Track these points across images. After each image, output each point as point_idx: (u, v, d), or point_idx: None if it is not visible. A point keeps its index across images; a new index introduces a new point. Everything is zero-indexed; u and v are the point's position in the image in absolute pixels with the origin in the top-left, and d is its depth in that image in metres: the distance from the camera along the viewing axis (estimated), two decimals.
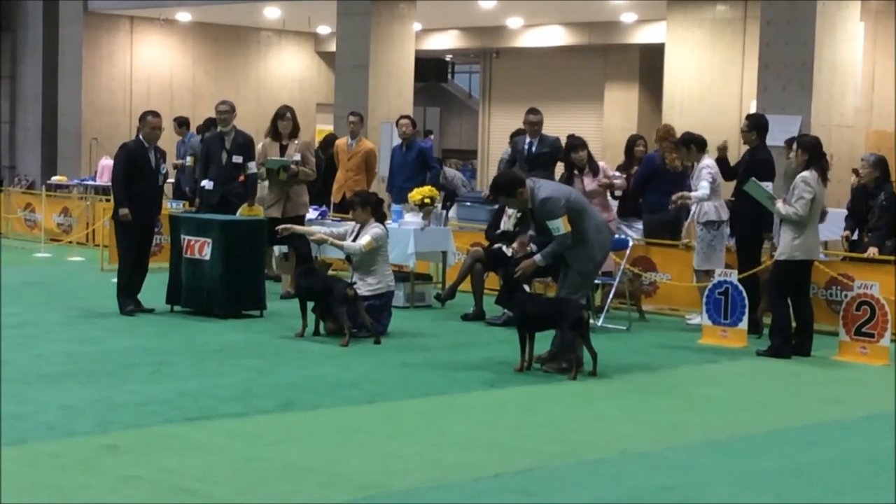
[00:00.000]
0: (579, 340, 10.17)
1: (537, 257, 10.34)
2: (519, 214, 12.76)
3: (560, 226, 10.20)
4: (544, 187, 10.45)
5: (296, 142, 14.50)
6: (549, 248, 10.33)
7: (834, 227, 14.59)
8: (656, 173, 13.99)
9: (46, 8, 28.07)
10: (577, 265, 10.40)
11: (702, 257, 13.14)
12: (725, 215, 13.03)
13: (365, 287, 11.85)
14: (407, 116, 16.80)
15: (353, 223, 12.43)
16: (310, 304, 11.82)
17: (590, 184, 13.80)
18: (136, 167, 12.92)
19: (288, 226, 12.77)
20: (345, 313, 11.44)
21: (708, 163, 13.18)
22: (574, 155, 13.87)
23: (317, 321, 11.82)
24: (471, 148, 36.22)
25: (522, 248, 10.99)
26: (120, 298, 12.96)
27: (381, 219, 12.36)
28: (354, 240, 12.13)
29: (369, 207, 12.21)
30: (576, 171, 13.88)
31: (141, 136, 13.08)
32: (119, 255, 13.36)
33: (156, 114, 13.28)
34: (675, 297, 14.13)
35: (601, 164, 14.16)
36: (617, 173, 14.27)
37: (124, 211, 12.79)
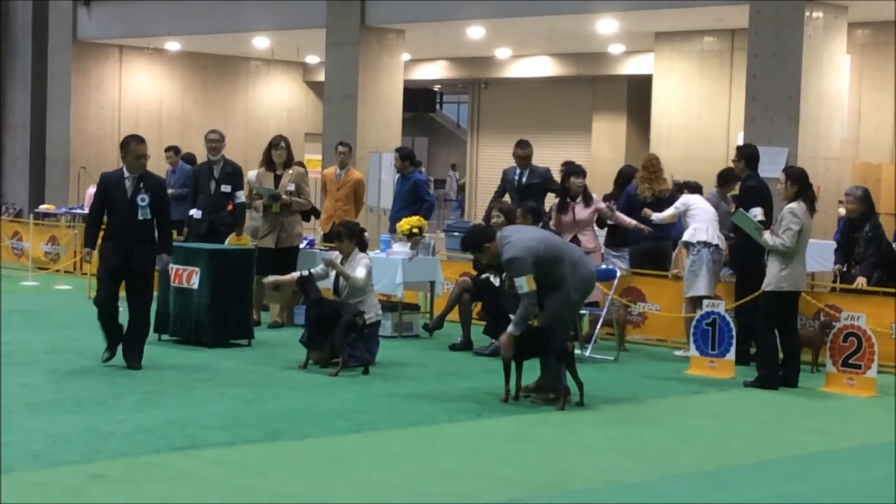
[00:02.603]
0: (565, 371, 10.16)
1: (511, 328, 10.15)
2: None
3: (524, 284, 10.06)
4: (512, 245, 10.16)
5: (290, 171, 14.51)
6: (517, 313, 10.14)
7: (820, 258, 14.64)
8: (633, 204, 14.08)
9: (35, 36, 28.11)
10: (553, 306, 10.35)
11: (685, 284, 13.24)
12: (704, 236, 13.07)
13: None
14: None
15: (335, 253, 12.45)
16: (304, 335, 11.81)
17: (581, 212, 13.81)
18: (109, 199, 11.30)
19: (275, 279, 12.72)
20: (345, 343, 11.43)
21: (687, 196, 13.41)
22: (573, 180, 13.87)
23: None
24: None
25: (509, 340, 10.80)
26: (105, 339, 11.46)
27: (364, 248, 12.40)
28: (337, 275, 12.17)
29: (355, 238, 12.25)
30: (569, 199, 13.88)
31: (123, 166, 11.38)
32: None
33: (140, 139, 11.43)
34: (663, 327, 14.14)
35: (594, 195, 14.18)
36: (603, 204, 14.22)
37: (85, 250, 11.57)
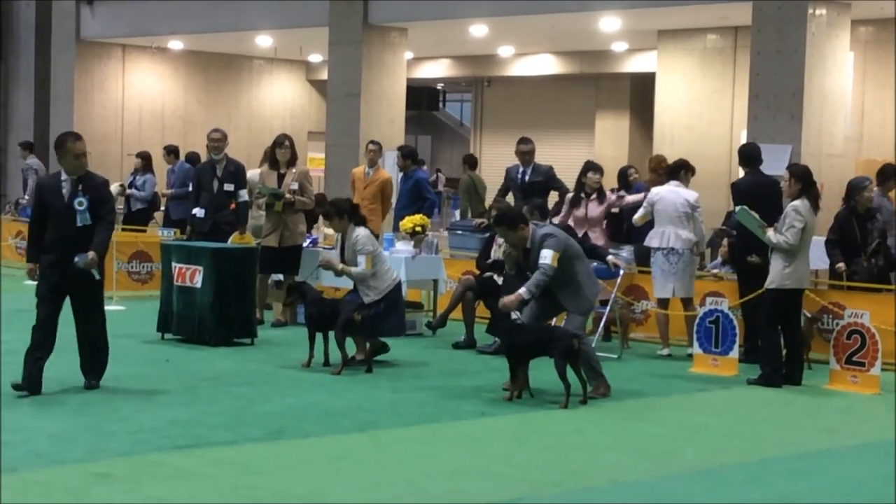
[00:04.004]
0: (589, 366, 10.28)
1: (522, 290, 10.35)
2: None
3: (549, 257, 10.32)
4: (548, 227, 10.84)
5: (293, 170, 14.49)
6: (532, 280, 10.37)
7: (824, 255, 14.58)
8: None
9: (39, 36, 28.14)
10: (575, 307, 10.61)
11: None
12: (656, 242, 13.12)
13: (374, 294, 11.83)
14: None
15: (334, 253, 12.40)
16: (319, 335, 11.74)
17: (594, 209, 13.79)
18: (47, 207, 9.97)
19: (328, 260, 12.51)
20: (344, 340, 11.43)
21: (655, 189, 13.41)
22: (590, 176, 13.84)
23: (325, 351, 11.76)
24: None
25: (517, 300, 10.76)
26: (25, 363, 10.08)
27: (360, 222, 12.22)
28: (342, 251, 12.10)
29: (346, 215, 12.08)
30: (583, 194, 13.85)
31: (61, 167, 10.01)
32: None
33: (77, 136, 10.09)
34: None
35: (608, 193, 14.14)
36: (613, 196, 14.22)
37: (28, 266, 10.29)
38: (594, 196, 13.85)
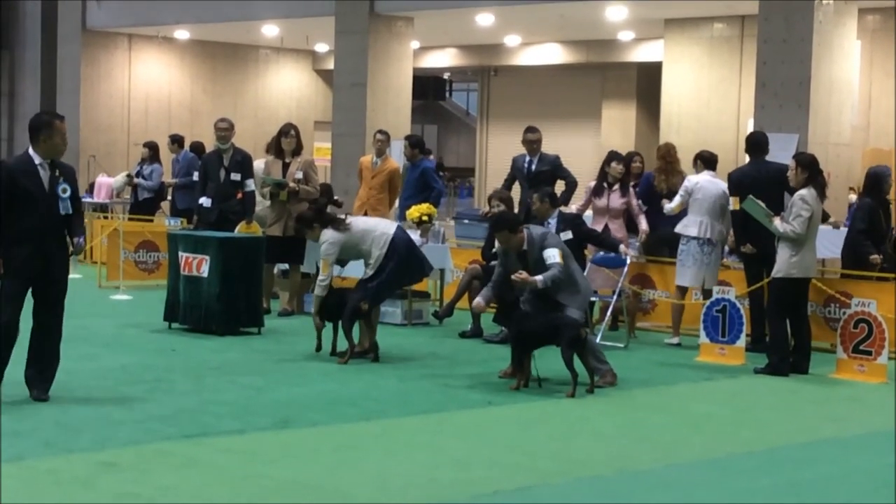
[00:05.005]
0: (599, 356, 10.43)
1: (539, 278, 10.32)
2: None
3: (556, 255, 10.39)
4: (543, 228, 10.98)
5: (298, 159, 14.49)
6: (549, 273, 10.36)
7: (831, 245, 14.58)
8: (651, 192, 14.06)
9: (45, 26, 28.16)
10: (576, 304, 10.58)
11: (676, 272, 13.31)
12: (693, 231, 13.04)
13: (370, 268, 11.64)
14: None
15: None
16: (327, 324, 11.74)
17: (616, 200, 13.75)
18: (20, 192, 8.94)
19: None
20: (351, 329, 11.42)
21: (693, 178, 13.27)
22: (613, 165, 13.80)
23: (333, 341, 11.75)
24: (469, 166, 36.31)
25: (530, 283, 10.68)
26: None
27: (328, 222, 11.71)
28: None
29: (316, 224, 11.74)
30: (606, 184, 13.81)
31: (37, 150, 9.04)
32: None
33: (62, 117, 9.32)
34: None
35: (631, 187, 14.08)
36: (636, 201, 14.08)
37: None
38: (616, 187, 13.80)
